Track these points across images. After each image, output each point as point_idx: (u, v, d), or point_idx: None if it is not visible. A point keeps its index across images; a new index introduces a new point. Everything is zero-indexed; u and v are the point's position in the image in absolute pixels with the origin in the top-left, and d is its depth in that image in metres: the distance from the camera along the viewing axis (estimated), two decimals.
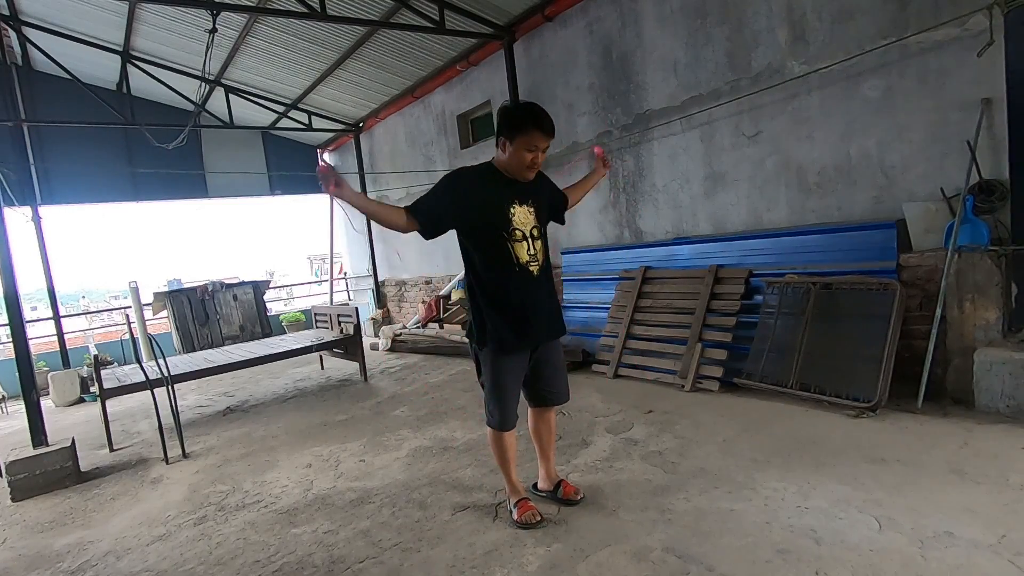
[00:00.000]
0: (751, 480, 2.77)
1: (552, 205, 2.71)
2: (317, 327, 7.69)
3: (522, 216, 2.48)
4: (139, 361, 4.84)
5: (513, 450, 2.70)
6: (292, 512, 3.09)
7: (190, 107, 8.65)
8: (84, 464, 4.29)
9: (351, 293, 12.23)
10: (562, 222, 2.88)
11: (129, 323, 6.74)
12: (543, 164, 2.53)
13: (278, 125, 10.09)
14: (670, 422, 3.72)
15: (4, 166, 8.04)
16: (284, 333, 9.45)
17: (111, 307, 17.28)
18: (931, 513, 2.29)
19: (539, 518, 2.59)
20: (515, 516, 2.63)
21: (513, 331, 2.47)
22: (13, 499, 3.81)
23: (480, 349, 2.57)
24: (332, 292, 11.89)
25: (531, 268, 2.49)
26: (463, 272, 8.67)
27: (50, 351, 8.97)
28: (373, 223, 10.09)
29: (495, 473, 3.23)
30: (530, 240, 2.49)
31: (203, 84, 7.76)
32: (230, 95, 9.06)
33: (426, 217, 2.39)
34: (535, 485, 2.90)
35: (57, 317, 8.68)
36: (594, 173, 3.00)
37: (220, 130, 9.86)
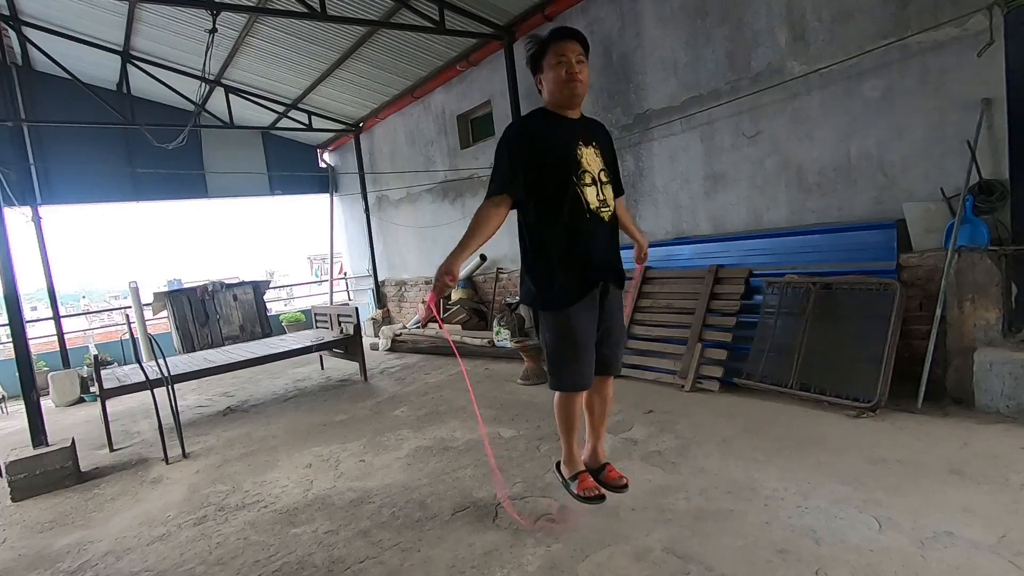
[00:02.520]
0: (751, 480, 2.77)
1: (613, 165, 2.46)
2: (317, 327, 7.69)
3: (590, 157, 2.30)
4: (139, 361, 4.84)
5: (579, 418, 2.52)
6: (292, 512, 3.09)
7: (190, 107, 8.65)
8: (84, 464, 4.29)
9: (351, 293, 12.24)
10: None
11: (129, 323, 6.76)
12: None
13: (278, 125, 10.09)
14: (670, 422, 3.72)
15: (4, 166, 8.05)
16: (284, 333, 9.45)
17: (111, 307, 17.28)
18: (931, 513, 2.29)
19: (600, 493, 2.46)
20: (574, 489, 2.50)
21: (583, 280, 2.29)
22: (13, 499, 3.81)
23: (546, 311, 2.36)
24: (332, 292, 11.90)
25: (602, 213, 2.30)
26: (468, 268, 8.53)
27: (50, 351, 8.97)
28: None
29: (495, 474, 3.23)
30: (599, 184, 2.31)
31: (203, 84, 7.78)
32: (230, 95, 9.06)
33: (512, 191, 2.24)
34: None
35: (57, 317, 8.68)
36: (638, 236, 2.69)
37: (220, 130, 9.87)
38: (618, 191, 2.49)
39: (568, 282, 2.29)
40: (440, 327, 7.47)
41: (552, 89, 2.29)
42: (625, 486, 2.56)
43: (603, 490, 2.49)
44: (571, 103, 2.32)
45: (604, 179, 2.34)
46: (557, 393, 2.47)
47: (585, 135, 2.33)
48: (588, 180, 2.28)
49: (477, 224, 2.23)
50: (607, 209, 2.32)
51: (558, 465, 2.67)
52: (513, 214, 2.37)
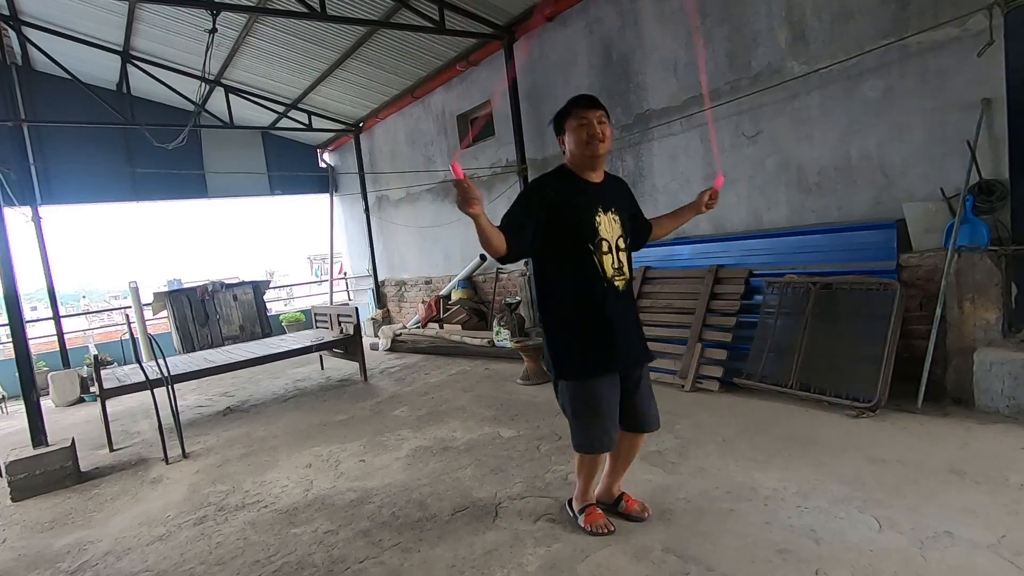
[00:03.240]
0: (751, 480, 2.77)
1: (633, 227, 2.46)
2: (317, 327, 7.69)
3: (607, 225, 2.29)
4: (139, 361, 4.84)
5: (600, 467, 2.50)
6: (292, 512, 3.09)
7: (190, 107, 8.65)
8: (84, 464, 4.29)
9: (351, 293, 12.24)
10: (637, 248, 2.53)
11: (129, 323, 6.74)
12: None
13: (278, 125, 10.09)
14: (670, 422, 3.72)
15: (4, 166, 8.05)
16: (284, 333, 9.45)
17: (111, 307, 17.28)
18: (931, 513, 2.29)
19: (609, 529, 2.43)
20: (582, 523, 2.48)
21: (602, 352, 2.27)
22: (13, 499, 3.81)
23: (566, 380, 2.34)
24: (332, 292, 11.90)
25: (616, 283, 2.29)
26: (468, 268, 8.54)
27: (50, 351, 8.97)
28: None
29: (495, 473, 3.24)
30: (615, 252, 2.29)
31: (203, 84, 7.78)
32: (230, 95, 9.06)
33: (515, 238, 2.14)
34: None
35: (57, 317, 8.68)
36: (691, 207, 2.60)
37: (220, 130, 9.87)
38: (644, 223, 2.55)
39: (585, 355, 2.27)
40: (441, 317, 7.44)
41: (574, 150, 2.28)
42: (644, 516, 2.51)
43: (612, 526, 2.46)
44: (593, 164, 2.32)
45: (621, 246, 2.33)
46: (580, 454, 2.43)
47: (605, 201, 2.32)
48: (605, 248, 2.27)
49: (496, 234, 2.11)
50: (622, 277, 2.31)
51: (570, 502, 2.63)
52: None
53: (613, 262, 2.28)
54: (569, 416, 2.39)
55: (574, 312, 2.28)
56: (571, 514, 2.59)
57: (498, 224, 2.14)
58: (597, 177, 2.36)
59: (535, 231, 2.20)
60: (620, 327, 2.30)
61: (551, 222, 2.21)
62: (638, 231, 2.52)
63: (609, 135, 2.28)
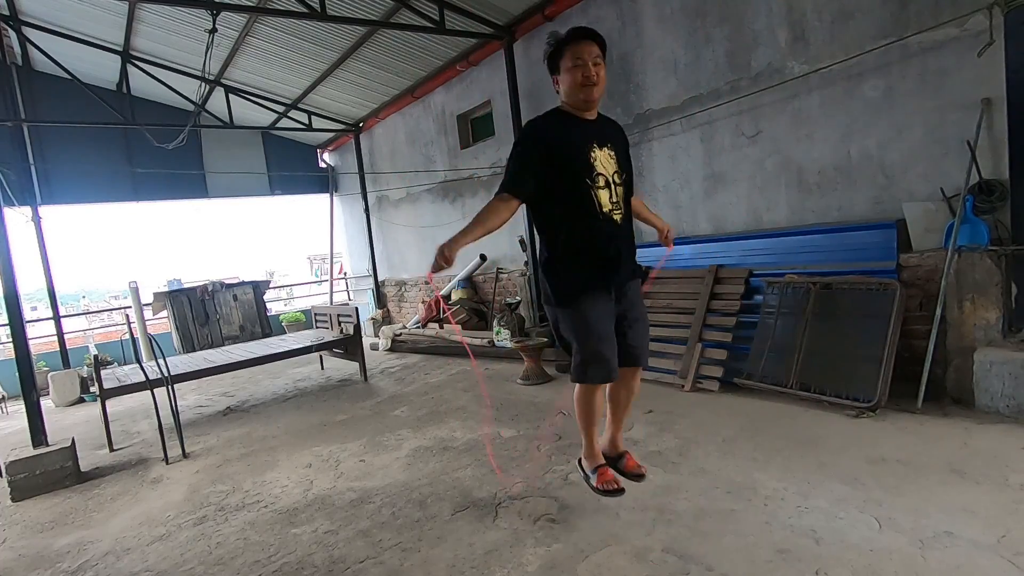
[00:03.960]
0: (751, 480, 2.77)
1: (627, 165, 2.44)
2: (317, 327, 7.69)
3: (603, 160, 2.29)
4: (139, 361, 4.85)
5: (601, 410, 2.51)
6: (292, 512, 3.09)
7: (190, 107, 8.65)
8: (84, 464, 4.29)
9: (351, 293, 12.24)
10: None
11: (129, 323, 6.75)
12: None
13: (278, 125, 10.09)
14: (670, 422, 3.72)
15: (4, 166, 8.05)
16: (284, 333, 9.45)
17: (111, 307, 17.28)
18: (931, 513, 2.29)
19: (619, 486, 2.43)
20: (594, 482, 2.48)
21: (597, 277, 2.29)
22: (13, 499, 3.81)
23: (563, 307, 2.34)
24: (332, 292, 11.90)
25: (615, 216, 2.29)
26: (468, 268, 8.52)
27: (50, 351, 8.97)
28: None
29: (495, 473, 3.23)
30: (613, 186, 2.29)
31: (203, 84, 7.78)
32: (230, 95, 9.05)
33: (523, 191, 2.23)
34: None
35: (57, 317, 8.67)
36: (660, 225, 2.73)
37: (220, 130, 9.86)
38: (632, 190, 2.49)
39: (581, 278, 2.29)
40: (451, 322, 7.45)
41: (568, 91, 2.29)
42: (643, 475, 2.52)
43: (622, 483, 2.46)
44: (587, 105, 2.32)
45: (618, 181, 2.32)
46: (578, 385, 2.42)
47: (600, 137, 2.32)
48: (602, 183, 2.28)
49: (486, 214, 2.21)
50: (620, 211, 2.32)
51: (580, 461, 2.64)
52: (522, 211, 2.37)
53: (611, 196, 2.29)
54: (573, 343, 2.37)
55: (574, 245, 2.29)
56: (583, 473, 2.59)
57: (501, 181, 2.24)
58: (591, 115, 2.37)
59: (535, 175, 2.23)
60: (616, 256, 2.32)
61: (548, 162, 2.23)
62: (629, 170, 2.50)
63: (603, 76, 2.28)
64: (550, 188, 2.26)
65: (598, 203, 2.26)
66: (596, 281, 2.29)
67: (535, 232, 2.40)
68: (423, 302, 8.97)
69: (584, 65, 2.23)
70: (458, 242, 2.15)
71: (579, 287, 2.29)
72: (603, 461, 2.54)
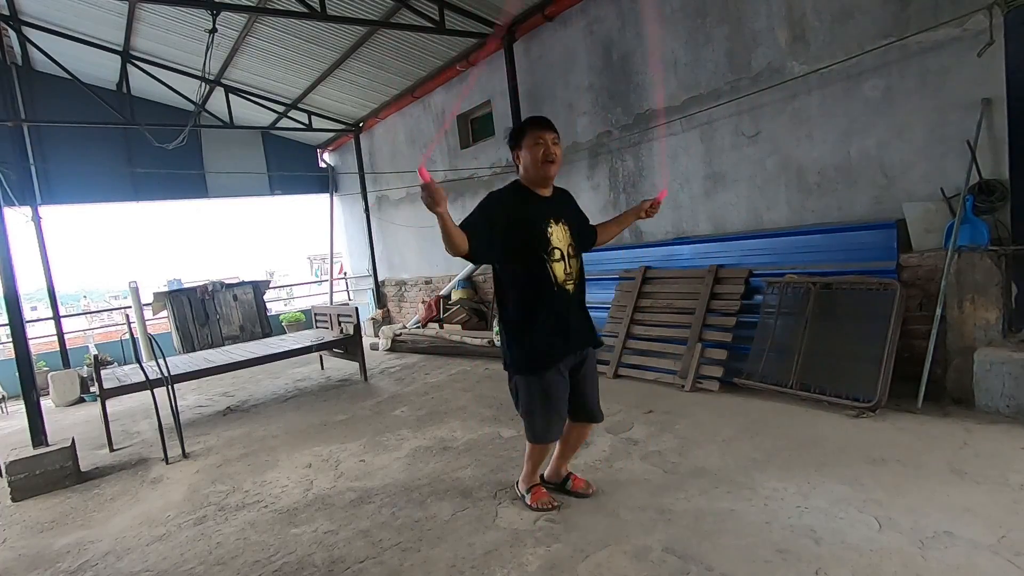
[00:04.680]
0: (751, 480, 2.77)
1: (580, 231, 2.65)
2: (317, 327, 7.69)
3: (559, 234, 2.50)
4: (139, 361, 4.84)
5: (547, 455, 2.77)
6: (292, 512, 3.09)
7: (190, 107, 8.66)
8: (84, 464, 4.29)
9: (351, 293, 12.23)
10: (584, 251, 2.75)
11: (129, 323, 6.74)
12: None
13: (278, 125, 10.09)
14: (670, 422, 3.72)
15: (4, 166, 8.05)
16: (284, 333, 9.45)
17: (111, 307, 17.28)
18: (931, 513, 2.29)
19: (554, 505, 2.68)
20: (528, 501, 2.73)
21: (552, 348, 2.48)
22: (13, 499, 3.81)
23: (520, 375, 2.55)
24: (332, 292, 11.90)
25: (567, 287, 2.51)
26: (468, 268, 8.53)
27: (50, 351, 8.97)
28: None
29: (495, 473, 3.24)
30: (567, 259, 2.51)
31: (203, 84, 7.78)
32: (230, 95, 9.06)
33: (476, 241, 2.32)
34: (542, 476, 2.89)
35: (57, 317, 8.68)
36: (631, 213, 2.86)
37: (220, 130, 9.87)
38: (590, 229, 2.76)
39: (540, 350, 2.48)
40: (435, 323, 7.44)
41: (529, 166, 2.49)
42: (593, 493, 2.78)
43: (557, 502, 2.71)
44: (546, 181, 2.53)
45: (572, 253, 2.54)
46: (530, 443, 2.68)
47: (556, 213, 2.53)
48: (557, 256, 2.48)
49: (459, 234, 2.27)
50: (572, 282, 2.53)
51: (517, 484, 2.89)
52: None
53: (565, 268, 2.50)
54: (523, 410, 2.62)
55: (530, 314, 2.48)
56: (519, 494, 2.83)
57: (465, 220, 2.35)
58: (547, 191, 2.57)
59: (492, 238, 2.37)
60: (571, 326, 2.53)
61: (508, 233, 2.40)
62: (585, 237, 2.72)
63: (559, 156, 2.52)
64: (510, 259, 2.46)
65: (553, 275, 2.46)
66: (551, 350, 2.48)
67: (496, 288, 2.62)
68: (423, 302, 8.97)
69: (545, 144, 2.45)
70: (445, 218, 2.15)
71: (535, 357, 2.49)
72: (538, 482, 2.80)
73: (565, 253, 2.50)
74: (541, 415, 2.56)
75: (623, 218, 2.89)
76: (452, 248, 2.27)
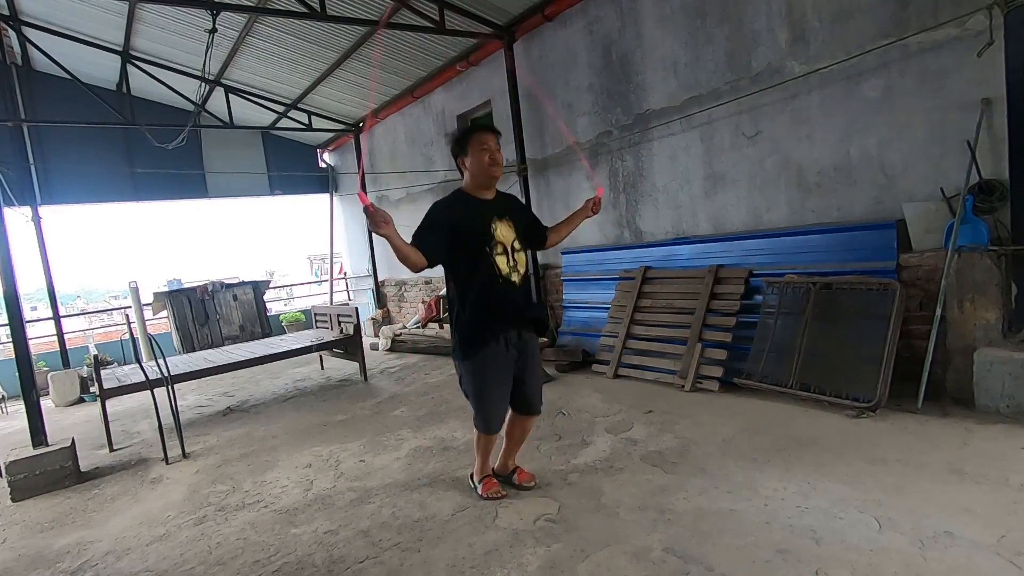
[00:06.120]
0: (751, 480, 2.77)
1: (528, 230, 2.82)
2: (317, 327, 7.69)
3: (503, 231, 2.65)
4: (139, 361, 4.84)
5: (493, 446, 2.94)
6: (292, 512, 3.09)
7: (190, 107, 8.65)
8: (84, 464, 4.29)
9: (351, 293, 12.23)
10: (535, 248, 3.02)
11: (129, 323, 6.74)
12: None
13: (278, 125, 10.08)
14: (670, 422, 3.72)
15: (4, 166, 8.04)
16: (284, 333, 9.45)
17: (111, 307, 17.27)
18: (931, 513, 2.29)
19: (502, 494, 2.87)
20: (480, 491, 2.90)
21: (495, 335, 2.63)
22: (13, 499, 3.81)
23: (464, 360, 2.70)
24: (332, 292, 11.90)
25: (512, 279, 2.65)
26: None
27: (50, 351, 8.97)
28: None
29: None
30: (511, 253, 2.66)
31: (203, 84, 7.78)
32: (230, 95, 9.05)
33: (428, 247, 2.52)
34: (493, 469, 3.05)
35: (57, 317, 8.68)
36: (580, 212, 2.97)
37: (220, 130, 9.86)
38: (542, 230, 2.93)
39: (483, 336, 2.63)
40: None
41: (475, 172, 2.65)
42: (534, 486, 2.95)
43: (504, 491, 2.89)
44: (489, 184, 2.69)
45: (517, 247, 2.69)
46: (475, 431, 2.86)
47: (499, 211, 2.69)
48: (500, 250, 2.63)
49: (413, 251, 2.47)
50: (517, 273, 2.68)
51: (471, 476, 3.05)
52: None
53: (508, 261, 2.65)
54: (471, 397, 2.77)
55: (476, 305, 2.62)
56: (472, 485, 3.00)
57: (413, 236, 2.54)
58: (490, 195, 2.73)
59: (441, 239, 2.55)
60: (514, 314, 2.67)
61: (454, 235, 2.56)
62: (534, 234, 2.89)
63: (502, 160, 2.68)
64: (457, 256, 2.60)
65: (497, 267, 2.61)
66: (494, 335, 2.62)
67: (447, 291, 2.78)
68: (423, 302, 8.97)
69: (490, 149, 2.61)
70: (395, 237, 2.35)
71: (480, 342, 2.63)
72: (489, 473, 2.97)
73: (509, 247, 2.65)
74: (485, 399, 2.71)
75: (572, 219, 2.99)
76: (407, 262, 2.44)
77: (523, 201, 2.93)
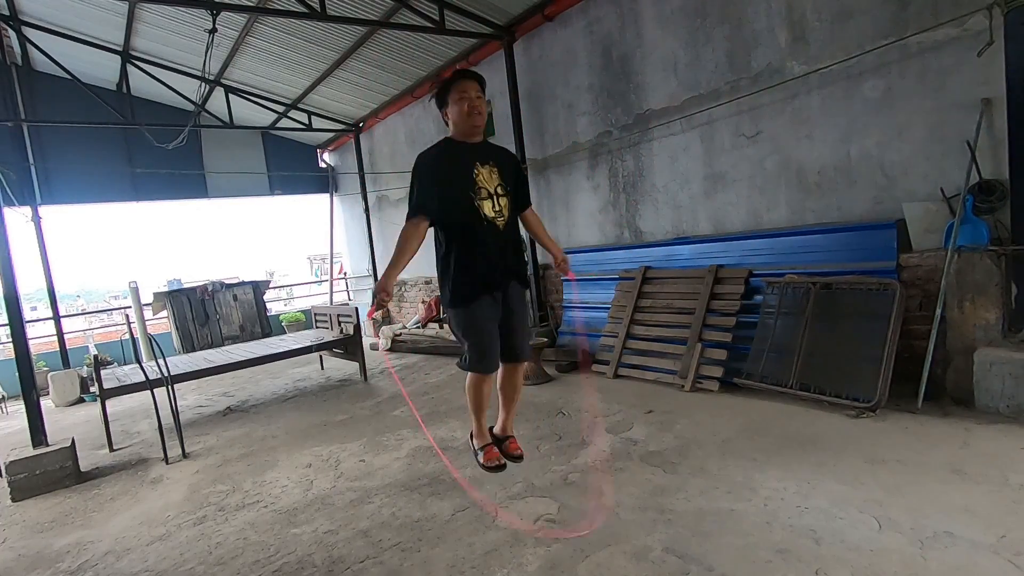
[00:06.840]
0: (751, 480, 2.77)
1: (515, 182, 2.76)
2: (317, 327, 7.69)
3: (486, 175, 2.63)
4: (139, 361, 4.85)
5: (488, 398, 2.82)
6: (292, 512, 3.09)
7: (190, 107, 8.65)
8: (84, 464, 4.29)
9: (351, 293, 12.23)
10: (516, 205, 2.83)
11: (129, 323, 6.74)
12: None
13: (278, 125, 10.09)
14: (670, 422, 3.72)
15: (4, 166, 8.04)
16: (284, 333, 9.45)
17: (111, 307, 17.27)
18: (931, 513, 2.29)
19: (502, 464, 2.77)
20: (481, 459, 2.79)
21: (481, 278, 2.60)
22: (13, 499, 3.81)
23: (454, 307, 2.66)
24: (332, 292, 11.90)
25: (497, 223, 2.62)
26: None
27: (50, 351, 8.97)
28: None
29: (495, 473, 3.23)
30: (495, 197, 2.63)
31: (203, 84, 7.77)
32: (230, 95, 9.05)
33: (426, 208, 2.54)
34: (491, 428, 2.97)
35: (57, 317, 8.68)
36: (554, 248, 2.96)
37: (220, 130, 9.86)
38: (524, 203, 2.84)
39: (469, 281, 2.61)
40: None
41: (456, 120, 2.62)
42: (520, 457, 2.86)
43: (504, 460, 2.78)
44: (473, 132, 2.65)
45: (500, 192, 2.65)
46: (468, 375, 2.75)
47: (483, 157, 2.66)
48: (484, 194, 2.60)
49: (404, 242, 2.52)
50: (503, 218, 2.64)
51: (471, 437, 2.92)
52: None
53: (494, 206, 2.62)
54: (461, 338, 2.70)
55: (462, 250, 2.61)
56: (472, 448, 2.89)
57: (409, 207, 2.56)
58: (477, 140, 2.70)
59: (433, 195, 2.55)
60: (499, 258, 2.64)
61: (439, 182, 2.56)
62: (518, 194, 2.79)
63: (484, 110, 2.65)
64: (443, 203, 2.58)
65: (482, 212, 2.59)
66: (482, 285, 2.60)
67: (435, 239, 2.77)
68: (423, 302, 8.97)
69: (469, 98, 2.58)
70: (390, 276, 2.50)
71: (467, 288, 2.61)
72: (490, 441, 2.86)
73: (493, 192, 2.62)
74: (474, 342, 2.64)
75: (547, 242, 2.97)
76: (417, 241, 2.54)
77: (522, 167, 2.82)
